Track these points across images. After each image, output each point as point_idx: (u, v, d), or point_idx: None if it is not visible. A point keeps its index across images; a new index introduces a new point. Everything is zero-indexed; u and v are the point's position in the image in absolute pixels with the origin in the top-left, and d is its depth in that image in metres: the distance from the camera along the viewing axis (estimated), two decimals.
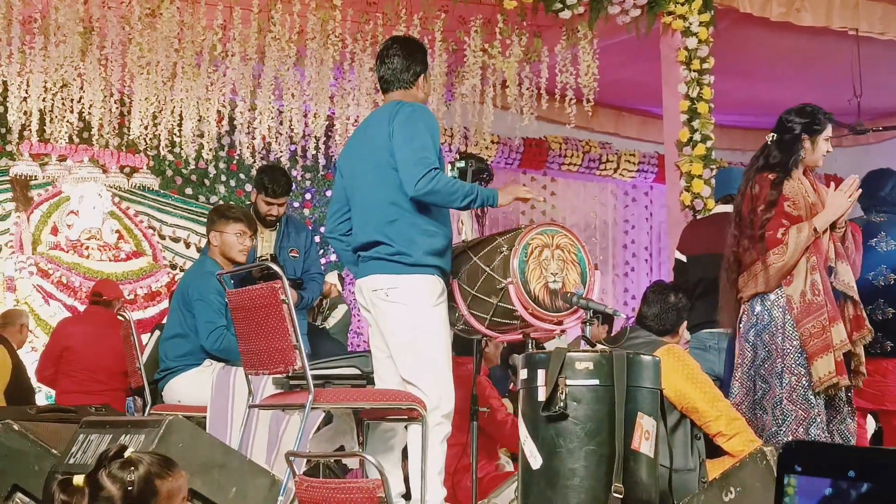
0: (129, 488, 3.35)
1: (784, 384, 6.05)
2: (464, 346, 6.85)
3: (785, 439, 6.02)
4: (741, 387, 6.24)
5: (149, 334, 8.52)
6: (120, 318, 8.45)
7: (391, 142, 5.48)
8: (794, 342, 6.07)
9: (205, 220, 12.28)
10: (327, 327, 8.87)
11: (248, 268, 6.94)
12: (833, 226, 6.17)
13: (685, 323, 6.62)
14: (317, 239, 9.21)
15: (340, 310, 10.68)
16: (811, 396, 6.03)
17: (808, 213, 6.18)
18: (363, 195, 5.66)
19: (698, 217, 9.44)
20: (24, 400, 9.86)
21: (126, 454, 3.43)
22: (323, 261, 12.41)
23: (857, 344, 6.17)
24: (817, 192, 6.25)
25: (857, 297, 6.13)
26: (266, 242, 7.84)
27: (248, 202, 12.47)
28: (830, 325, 6.01)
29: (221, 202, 13.00)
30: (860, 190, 6.21)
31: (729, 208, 7.11)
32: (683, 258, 7.91)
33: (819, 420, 6.02)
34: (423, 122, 5.50)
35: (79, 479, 3.36)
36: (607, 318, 9.60)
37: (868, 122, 12.46)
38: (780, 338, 6.11)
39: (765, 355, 6.15)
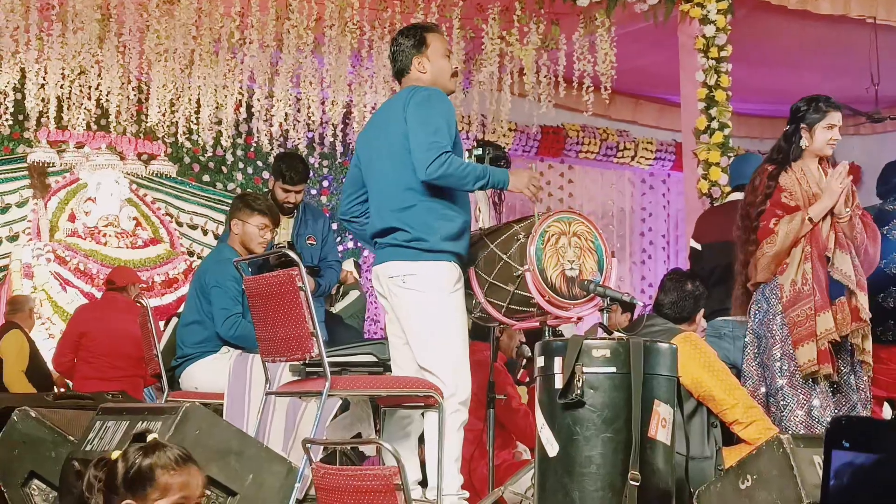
0: (132, 469, 3.42)
1: (784, 370, 6.08)
2: (480, 332, 6.86)
3: (788, 424, 6.05)
4: (754, 375, 6.26)
5: (163, 323, 8.53)
6: (138, 304, 8.47)
7: (406, 127, 5.49)
8: (786, 329, 6.11)
9: (222, 207, 12.38)
10: (333, 311, 8.88)
11: (265, 255, 6.94)
12: (832, 213, 6.18)
13: (702, 311, 6.62)
14: (334, 226, 9.20)
15: (352, 295, 10.68)
16: (811, 380, 6.07)
17: (808, 203, 6.21)
18: (379, 181, 5.66)
19: (714, 205, 9.43)
20: (41, 386, 9.91)
21: (148, 438, 3.49)
22: (340, 248, 12.43)
23: (857, 334, 6.17)
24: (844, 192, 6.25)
25: (853, 287, 6.12)
26: (283, 230, 7.85)
27: (266, 189, 12.52)
28: (816, 313, 6.03)
29: (239, 189, 13.03)
30: (851, 176, 6.22)
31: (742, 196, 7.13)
32: (698, 246, 7.92)
33: (824, 403, 6.03)
34: (437, 107, 5.50)
35: (116, 454, 3.47)
36: (628, 306, 9.60)
37: (885, 111, 12.43)
38: (776, 325, 6.15)
39: (766, 344, 6.19)
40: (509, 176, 5.60)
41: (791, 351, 6.10)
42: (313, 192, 13.37)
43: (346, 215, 5.90)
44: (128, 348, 9.59)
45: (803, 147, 6.35)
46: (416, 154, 5.42)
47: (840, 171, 6.16)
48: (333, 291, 10.26)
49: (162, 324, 7.98)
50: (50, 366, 10.25)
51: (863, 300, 6.15)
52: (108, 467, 3.44)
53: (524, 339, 8.46)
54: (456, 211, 5.55)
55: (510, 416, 7.04)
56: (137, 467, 3.40)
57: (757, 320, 6.29)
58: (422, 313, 5.45)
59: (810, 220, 6.13)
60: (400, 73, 5.81)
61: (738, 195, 7.60)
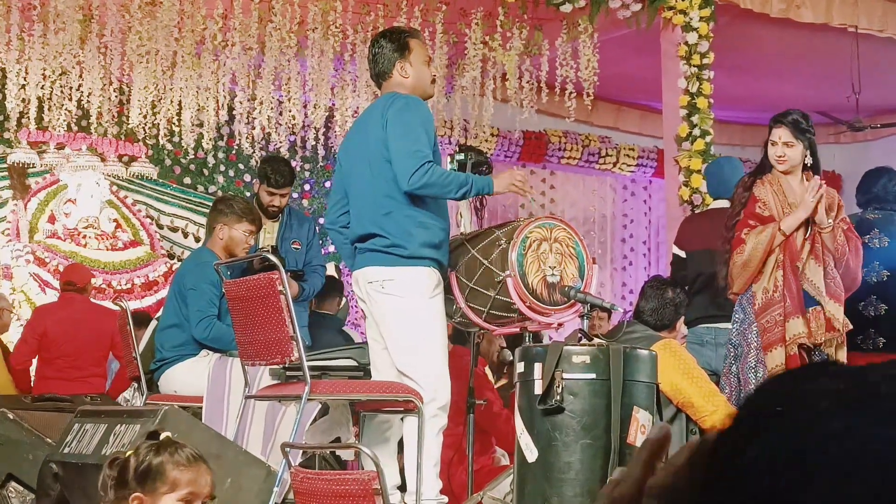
0: (142, 465, 3.50)
1: (759, 378, 6.11)
2: (460, 337, 6.85)
3: None
4: (729, 386, 6.28)
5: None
6: (117, 307, 8.44)
7: (385, 133, 5.49)
8: (759, 337, 6.16)
9: (203, 209, 12.34)
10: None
11: (245, 259, 6.94)
12: (812, 224, 6.20)
13: (682, 318, 6.64)
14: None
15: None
16: None
17: (783, 214, 6.25)
18: (359, 187, 5.67)
19: (696, 212, 9.44)
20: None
21: (161, 437, 3.60)
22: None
23: (831, 344, 6.19)
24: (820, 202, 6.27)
25: (821, 299, 6.16)
26: (268, 234, 7.84)
27: (248, 193, 12.50)
28: (786, 319, 6.08)
29: (220, 192, 12.98)
30: (822, 190, 6.23)
31: (726, 204, 7.17)
32: (682, 253, 7.93)
33: None
34: (416, 115, 5.50)
35: (129, 452, 3.57)
36: (607, 312, 9.61)
37: (866, 119, 12.47)
38: (751, 333, 6.18)
39: (742, 352, 6.22)
40: (492, 180, 5.60)
41: (764, 359, 6.13)
42: (295, 195, 13.35)
43: (334, 225, 5.90)
44: (89, 348, 9.58)
45: (770, 161, 6.42)
46: (398, 164, 5.42)
47: (814, 186, 6.20)
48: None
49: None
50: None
51: (835, 310, 6.17)
52: (122, 465, 3.51)
53: (504, 345, 8.47)
54: (434, 219, 5.56)
55: (492, 420, 7.04)
56: (148, 463, 3.50)
57: (735, 330, 6.34)
58: (401, 318, 5.45)
59: (782, 232, 6.17)
60: (380, 76, 5.79)
61: (721, 203, 7.63)
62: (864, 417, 0.90)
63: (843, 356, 6.26)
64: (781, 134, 6.33)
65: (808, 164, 6.37)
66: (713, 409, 5.95)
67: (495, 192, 5.64)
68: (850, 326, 6.27)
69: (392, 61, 5.74)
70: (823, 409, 0.91)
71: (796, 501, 0.88)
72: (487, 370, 8.18)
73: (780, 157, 6.33)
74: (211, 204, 8.05)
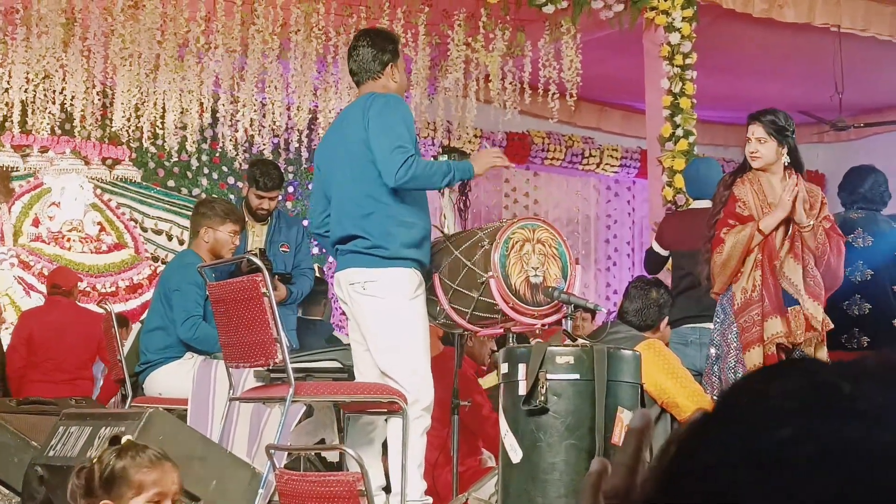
0: (106, 470, 3.48)
1: (737, 377, 6.10)
2: (453, 338, 6.86)
3: None
4: (710, 386, 6.28)
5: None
6: (102, 309, 8.44)
7: (366, 134, 5.50)
8: (738, 337, 6.16)
9: (187, 212, 12.30)
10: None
11: (229, 261, 6.94)
12: (792, 222, 6.21)
13: (666, 318, 6.65)
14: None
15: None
16: None
17: (761, 213, 6.25)
18: (340, 189, 5.68)
19: (678, 210, 9.45)
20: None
21: (122, 441, 3.56)
22: None
23: (810, 343, 6.20)
24: (800, 192, 6.27)
25: (800, 297, 6.16)
26: (257, 237, 7.83)
27: (232, 195, 12.50)
28: (764, 319, 6.08)
29: (204, 195, 12.97)
30: (798, 188, 6.24)
31: (707, 204, 7.18)
32: (663, 252, 7.94)
33: None
34: (398, 112, 5.53)
35: (94, 460, 3.54)
36: (591, 313, 9.62)
37: (849, 119, 12.49)
38: (731, 334, 6.19)
39: (723, 352, 6.22)
40: (471, 164, 5.64)
41: (743, 358, 6.14)
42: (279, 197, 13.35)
43: (319, 229, 5.91)
44: (75, 352, 9.58)
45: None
46: (383, 161, 5.43)
47: (791, 184, 6.21)
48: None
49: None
50: None
51: (814, 309, 6.18)
52: (87, 474, 3.50)
53: (495, 347, 8.47)
54: (416, 218, 5.58)
55: (480, 423, 7.05)
56: (111, 468, 3.47)
57: (716, 330, 6.34)
58: (382, 319, 5.46)
59: (761, 231, 6.18)
60: (368, 73, 5.78)
61: (702, 203, 7.64)
62: (822, 419, 0.90)
63: (823, 355, 6.26)
64: (754, 130, 6.34)
65: (787, 164, 6.37)
66: (697, 408, 5.96)
67: (476, 174, 5.67)
68: (831, 325, 6.28)
69: (385, 63, 5.77)
70: (781, 410, 0.91)
71: (751, 503, 0.88)
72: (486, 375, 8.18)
73: (752, 153, 6.34)
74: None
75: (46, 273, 11.21)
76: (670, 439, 0.99)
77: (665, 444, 0.99)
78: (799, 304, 6.16)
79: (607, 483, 1.06)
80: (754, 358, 6.09)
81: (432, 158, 5.96)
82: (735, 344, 6.18)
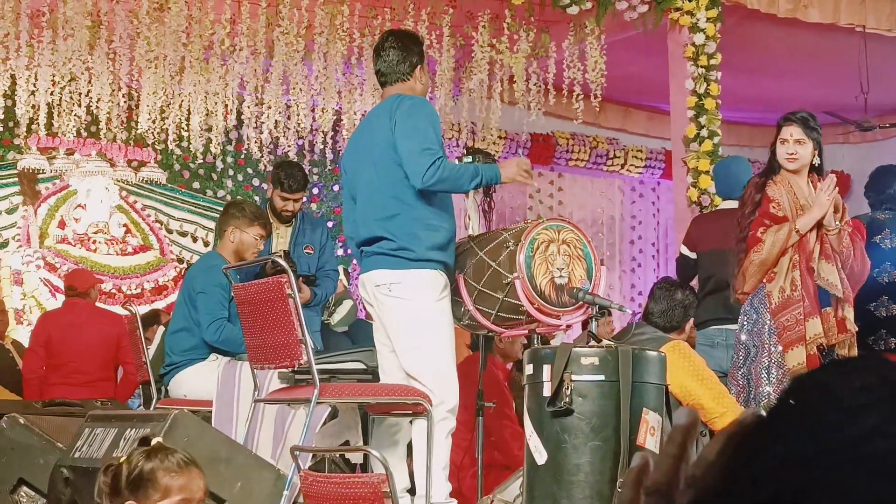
0: (134, 472, 3.49)
1: (772, 378, 6.07)
2: (486, 343, 6.87)
3: None
4: (736, 386, 6.24)
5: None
6: (127, 311, 8.46)
7: (393, 136, 5.50)
8: (774, 336, 6.10)
9: (212, 214, 12.36)
10: (332, 323, 8.85)
11: (254, 262, 6.95)
12: (819, 225, 6.17)
13: (692, 320, 6.63)
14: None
15: (346, 305, 10.66)
16: None
17: (795, 214, 6.21)
18: (365, 191, 5.67)
19: (704, 212, 9.43)
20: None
21: (152, 443, 3.55)
22: None
23: (843, 345, 6.17)
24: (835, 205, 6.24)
25: (840, 296, 6.12)
26: (281, 238, 7.83)
27: (257, 197, 12.52)
28: (805, 318, 6.04)
29: (229, 196, 13.00)
30: (837, 188, 6.21)
31: (735, 204, 7.14)
32: (692, 255, 7.90)
33: None
34: (424, 115, 5.54)
35: (122, 459, 3.56)
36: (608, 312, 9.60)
37: (875, 119, 12.45)
38: (764, 333, 6.14)
39: (755, 353, 6.17)
40: (499, 170, 5.63)
41: (779, 359, 6.09)
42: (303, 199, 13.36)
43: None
44: (93, 353, 9.59)
45: (778, 160, 6.36)
46: (410, 163, 5.43)
47: (828, 184, 6.16)
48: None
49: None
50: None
51: (848, 312, 6.15)
52: (115, 472, 3.51)
53: (526, 343, 8.45)
54: (441, 220, 5.57)
55: (499, 423, 7.05)
56: (140, 470, 3.48)
57: (745, 330, 6.28)
58: (408, 321, 5.46)
59: (797, 231, 6.13)
60: (397, 75, 5.78)
61: (729, 203, 7.61)
62: (894, 417, 0.90)
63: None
64: (793, 131, 6.29)
65: (816, 165, 6.34)
66: (723, 410, 5.95)
67: (503, 181, 5.67)
68: (856, 328, 6.25)
69: (414, 66, 5.78)
70: (854, 406, 0.91)
71: (820, 500, 0.88)
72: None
73: (790, 154, 6.28)
74: (220, 208, 8.06)
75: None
76: (729, 435, 0.98)
77: (724, 439, 0.98)
78: (830, 305, 6.12)
79: (649, 478, 1.06)
80: (797, 357, 6.03)
81: (456, 160, 5.94)
82: (769, 342, 6.12)
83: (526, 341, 8.29)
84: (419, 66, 5.81)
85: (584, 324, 6.00)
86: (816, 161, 6.33)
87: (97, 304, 10.36)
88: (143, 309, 10.74)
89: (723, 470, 0.96)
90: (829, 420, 0.91)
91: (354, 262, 12.32)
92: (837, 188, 6.22)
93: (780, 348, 6.08)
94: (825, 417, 0.92)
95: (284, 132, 11.25)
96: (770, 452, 0.92)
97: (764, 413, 0.98)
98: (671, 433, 1.06)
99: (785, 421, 0.94)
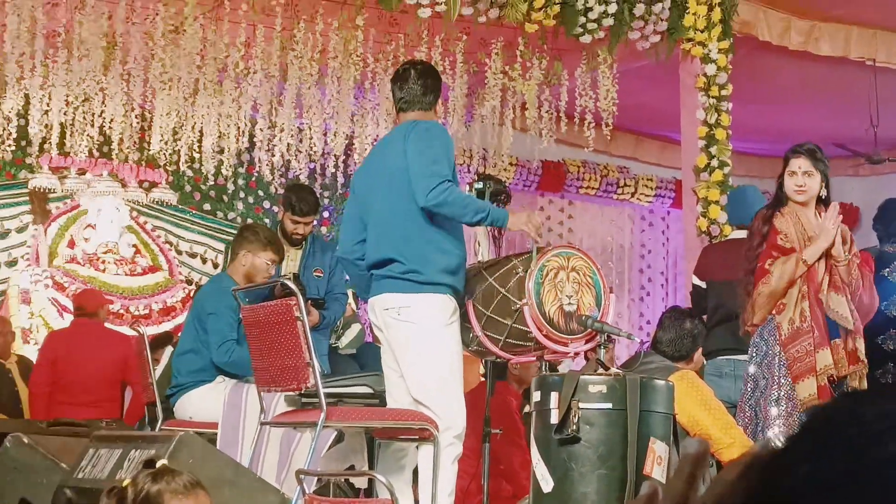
0: (140, 494, 3.47)
1: (781, 411, 6.05)
2: (500, 371, 6.86)
3: None
4: (744, 418, 6.22)
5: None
6: (134, 332, 8.47)
7: (405, 160, 5.52)
8: (784, 368, 6.08)
9: (222, 236, 12.40)
10: (340, 346, 8.85)
11: (263, 285, 6.94)
12: (828, 256, 6.15)
13: (700, 349, 6.62)
14: None
15: (354, 329, 10.66)
16: None
17: (803, 245, 6.20)
18: (378, 213, 5.68)
19: (714, 242, 9.43)
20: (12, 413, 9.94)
21: (157, 465, 3.55)
22: None
23: (854, 377, 6.15)
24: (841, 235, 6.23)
25: (850, 328, 6.11)
26: (291, 261, 7.83)
27: (268, 219, 12.53)
28: (816, 350, 6.01)
29: (240, 219, 13.02)
30: (841, 216, 6.21)
31: (745, 233, 7.13)
32: (702, 284, 7.90)
33: None
34: (438, 138, 5.57)
35: (127, 482, 3.54)
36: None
37: (885, 152, 12.45)
38: (775, 366, 6.12)
39: (764, 384, 6.15)
40: (508, 215, 5.62)
41: (789, 391, 6.07)
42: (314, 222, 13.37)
43: (349, 255, 5.90)
44: (100, 373, 9.60)
45: (786, 192, 6.35)
46: (417, 181, 5.44)
47: (832, 213, 6.16)
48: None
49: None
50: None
51: (859, 343, 6.14)
52: (119, 494, 3.50)
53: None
54: (452, 245, 5.58)
55: (508, 450, 7.04)
56: (146, 492, 3.47)
57: (755, 362, 6.26)
58: (416, 345, 5.46)
59: (804, 262, 6.12)
60: (417, 104, 5.81)
61: (740, 233, 7.61)
62: None
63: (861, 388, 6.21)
64: (801, 163, 6.29)
65: (823, 197, 6.33)
66: (730, 441, 5.93)
67: (509, 227, 5.66)
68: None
69: (435, 98, 5.82)
70: (876, 432, 0.91)
71: None
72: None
73: (799, 186, 6.28)
74: (230, 230, 8.07)
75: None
76: (747, 463, 0.99)
77: (741, 467, 0.99)
78: (839, 336, 6.11)
79: None
80: (808, 388, 6.01)
81: (468, 185, 5.96)
82: (779, 374, 6.10)
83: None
84: (438, 101, 5.88)
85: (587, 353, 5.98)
86: (823, 193, 6.33)
87: (105, 324, 10.37)
88: (150, 330, 10.74)
89: (744, 495, 0.97)
90: (853, 444, 0.91)
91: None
92: (842, 217, 6.22)
93: (791, 380, 6.05)
94: (849, 442, 0.92)
95: (296, 155, 11.26)
96: (794, 475, 0.93)
97: (777, 444, 0.98)
98: (680, 462, 1.06)
99: (808, 445, 0.95)
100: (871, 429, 0.92)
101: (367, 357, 8.41)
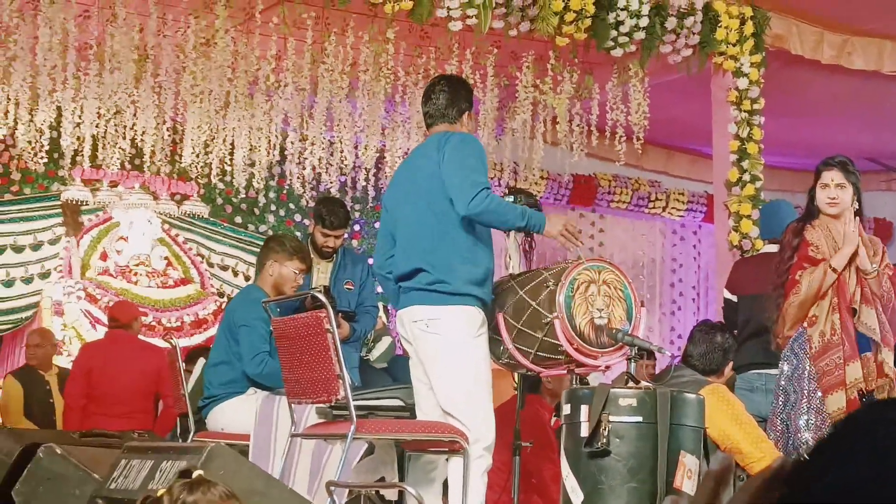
0: (176, 503, 3.44)
1: (811, 424, 6.02)
2: (534, 384, 6.85)
3: None
4: (774, 432, 6.19)
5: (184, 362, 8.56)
6: (167, 344, 8.50)
7: (440, 169, 5.52)
8: (814, 382, 6.06)
9: (253, 248, 12.41)
10: (371, 359, 8.85)
11: (294, 297, 6.96)
12: (858, 268, 6.13)
13: (731, 363, 6.60)
14: None
15: (385, 342, 10.66)
16: None
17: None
18: (407, 223, 5.69)
19: (746, 256, 9.41)
20: (43, 423, 10.01)
21: (194, 475, 3.54)
22: None
23: (882, 390, 6.12)
24: (861, 237, 6.21)
25: (878, 340, 6.08)
26: (322, 273, 7.84)
27: (299, 232, 12.55)
28: (846, 363, 5.99)
29: (270, 231, 13.06)
30: (857, 218, 6.20)
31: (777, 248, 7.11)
32: (733, 298, 7.88)
33: None
34: (474, 149, 5.59)
35: (162, 491, 3.53)
36: (651, 355, 9.57)
37: None
38: (804, 379, 6.09)
39: (794, 398, 6.13)
40: (545, 220, 5.62)
41: (819, 404, 6.05)
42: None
43: (382, 270, 5.91)
44: (133, 385, 9.65)
45: (817, 205, 6.34)
46: (457, 191, 5.45)
47: (849, 218, 6.16)
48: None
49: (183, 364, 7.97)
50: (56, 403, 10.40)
51: (887, 356, 6.11)
52: (154, 503, 3.50)
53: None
54: (480, 256, 5.58)
55: (538, 464, 7.03)
56: (182, 502, 3.45)
57: (786, 375, 6.24)
58: (445, 357, 5.46)
59: (833, 269, 6.11)
60: (446, 117, 5.83)
61: (772, 247, 7.58)
62: None
63: None
64: (834, 176, 6.28)
65: (856, 210, 6.31)
66: (761, 455, 5.91)
67: (546, 233, 5.65)
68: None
69: (462, 111, 5.84)
70: None
71: None
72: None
73: (832, 199, 6.26)
74: (261, 243, 8.09)
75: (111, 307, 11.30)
76: (773, 472, 0.99)
77: (776, 468, 0.99)
78: (870, 350, 6.08)
79: None
80: (837, 402, 5.98)
81: None
82: (808, 389, 6.07)
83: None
84: (467, 112, 5.87)
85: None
86: (855, 206, 6.32)
87: (139, 336, 10.42)
88: (182, 342, 10.79)
89: (772, 498, 0.97)
90: (879, 449, 0.92)
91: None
92: (874, 231, 6.21)
93: (820, 394, 6.03)
94: (875, 446, 0.92)
95: (327, 168, 11.29)
96: (824, 479, 0.93)
97: (805, 457, 0.98)
98: (704, 478, 1.07)
99: (836, 451, 0.95)
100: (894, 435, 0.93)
101: (399, 370, 8.41)
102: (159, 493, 3.54)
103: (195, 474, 3.60)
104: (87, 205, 12.57)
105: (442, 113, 5.84)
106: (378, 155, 11.52)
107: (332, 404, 5.42)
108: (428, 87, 6.01)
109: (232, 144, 11.18)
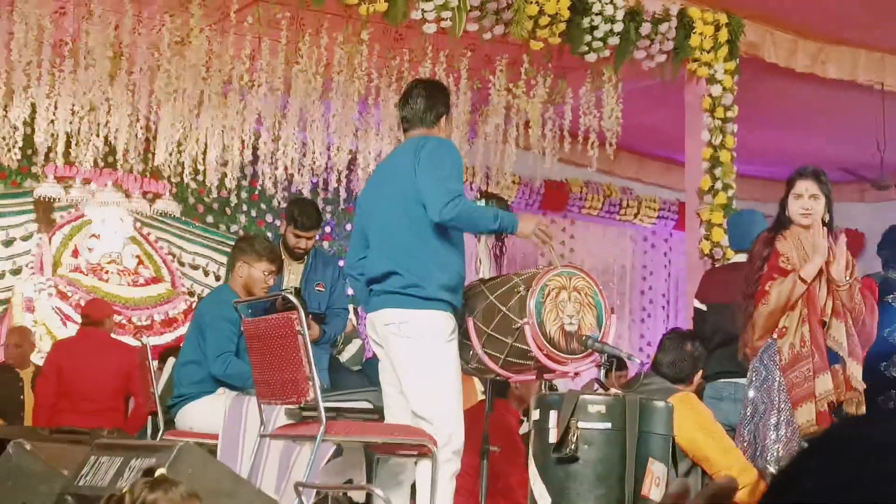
0: (137, 502, 3.51)
1: (780, 436, 6.03)
2: (501, 389, 6.85)
3: None
4: (741, 442, 6.20)
5: (156, 361, 8.55)
6: (138, 342, 8.49)
7: (415, 173, 5.53)
8: (784, 394, 6.07)
9: (225, 248, 12.39)
10: (342, 360, 8.86)
11: (265, 298, 6.95)
12: (829, 280, 6.14)
13: (700, 372, 6.62)
14: None
15: (355, 344, 10.66)
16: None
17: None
18: (382, 225, 5.69)
19: (717, 265, 9.43)
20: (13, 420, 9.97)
21: (156, 474, 3.55)
22: None
23: (850, 403, 6.13)
24: (831, 248, 6.22)
25: (845, 356, 6.09)
26: (293, 275, 7.84)
27: (270, 233, 12.54)
28: (815, 375, 6.00)
29: (242, 231, 13.04)
30: (825, 227, 6.21)
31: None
32: (703, 307, 7.90)
33: None
34: (449, 155, 5.58)
35: (125, 489, 3.55)
36: (623, 364, 9.59)
37: (891, 177, 12.46)
38: (774, 390, 6.11)
39: (763, 409, 6.14)
40: (517, 221, 5.63)
41: (789, 416, 6.06)
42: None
43: (353, 270, 5.92)
44: (104, 382, 9.63)
45: (789, 216, 6.35)
46: (430, 197, 5.45)
47: (818, 230, 6.17)
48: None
49: (156, 363, 7.96)
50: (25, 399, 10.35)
51: (855, 370, 6.12)
52: (117, 502, 3.50)
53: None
54: (453, 262, 5.59)
55: (505, 469, 7.03)
56: (143, 501, 3.47)
57: (754, 386, 6.25)
58: (416, 361, 5.46)
59: (802, 280, 6.12)
60: (424, 122, 5.82)
61: (742, 257, 7.60)
62: None
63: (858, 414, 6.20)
64: (808, 186, 6.28)
65: (826, 221, 6.32)
66: (729, 464, 5.92)
67: (519, 234, 5.66)
68: (864, 386, 6.22)
69: (439, 116, 5.83)
70: (882, 449, 0.93)
71: None
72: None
73: (805, 209, 6.27)
74: (233, 243, 8.09)
75: (83, 304, 11.27)
76: (722, 483, 1.00)
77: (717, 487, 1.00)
78: (839, 362, 6.10)
79: None
80: (806, 414, 5.99)
81: None
82: (778, 400, 6.08)
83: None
84: (444, 117, 5.87)
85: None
86: (827, 217, 6.32)
87: (111, 334, 10.40)
88: (152, 341, 10.77)
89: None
90: (860, 458, 0.93)
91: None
92: (847, 242, 6.22)
93: (790, 405, 6.05)
94: (856, 455, 0.94)
95: (299, 169, 11.27)
96: (801, 486, 0.94)
97: (773, 470, 1.00)
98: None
99: (816, 460, 0.96)
100: (876, 444, 0.94)
101: (374, 372, 8.42)
102: (122, 492, 3.55)
103: (157, 473, 3.61)
104: (59, 202, 12.53)
105: (420, 117, 5.84)
106: (350, 157, 11.51)
107: (302, 405, 5.42)
108: (406, 91, 6.01)
109: (205, 144, 11.15)
